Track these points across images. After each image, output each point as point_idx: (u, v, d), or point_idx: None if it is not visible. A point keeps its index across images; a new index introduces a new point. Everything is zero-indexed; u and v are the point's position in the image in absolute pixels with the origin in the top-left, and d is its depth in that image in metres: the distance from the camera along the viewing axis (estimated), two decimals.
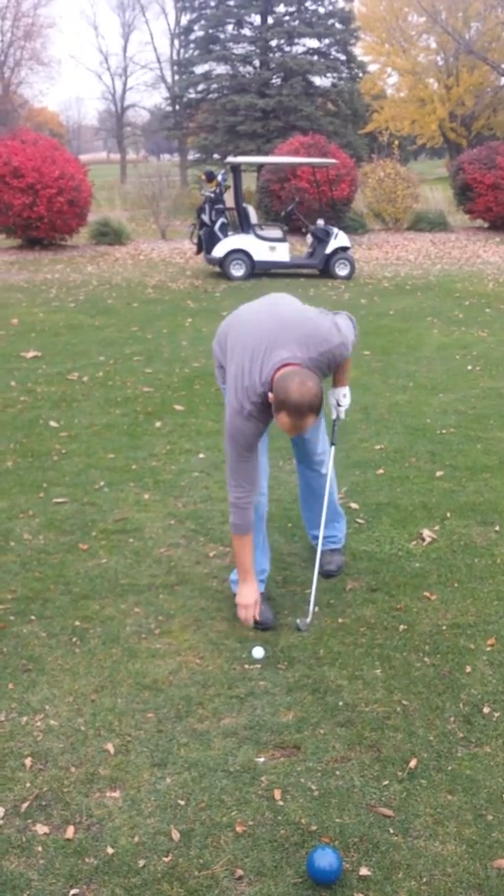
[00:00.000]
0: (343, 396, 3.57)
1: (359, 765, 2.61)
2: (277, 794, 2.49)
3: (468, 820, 2.40)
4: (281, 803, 2.46)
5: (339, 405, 3.59)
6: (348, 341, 3.16)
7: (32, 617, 3.44)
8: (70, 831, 2.36)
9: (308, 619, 3.37)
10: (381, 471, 4.96)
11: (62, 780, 2.56)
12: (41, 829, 2.37)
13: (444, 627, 3.35)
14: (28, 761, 2.63)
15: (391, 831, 2.36)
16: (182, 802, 2.47)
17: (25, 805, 2.46)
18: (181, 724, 2.80)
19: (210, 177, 13.36)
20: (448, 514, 4.37)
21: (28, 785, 2.54)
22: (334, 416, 3.65)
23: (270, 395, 2.92)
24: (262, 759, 2.64)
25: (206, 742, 2.71)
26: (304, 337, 3.02)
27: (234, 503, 3.18)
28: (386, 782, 2.54)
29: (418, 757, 2.64)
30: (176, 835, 2.35)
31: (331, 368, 3.18)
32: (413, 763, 2.61)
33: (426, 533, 4.15)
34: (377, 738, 2.72)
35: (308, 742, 2.71)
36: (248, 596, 3.24)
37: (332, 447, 3.68)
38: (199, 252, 13.68)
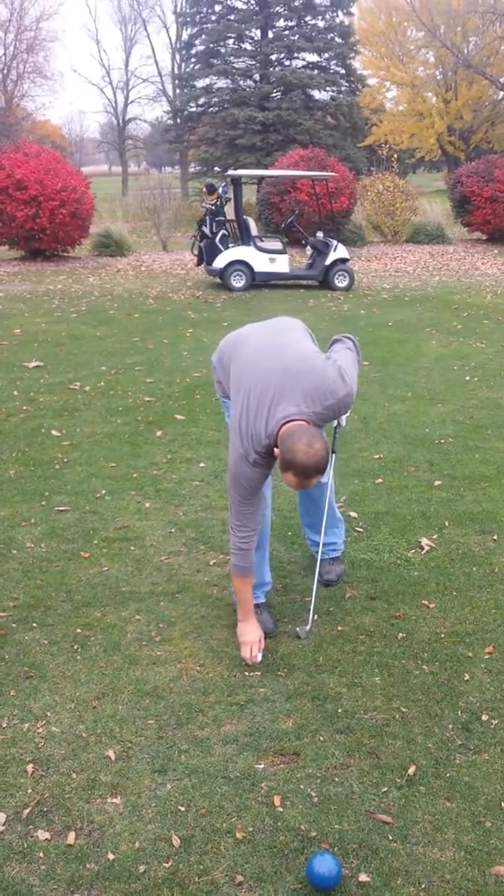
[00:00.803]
0: (343, 416, 3.56)
1: (358, 771, 2.62)
2: (277, 800, 2.51)
3: (466, 826, 2.41)
4: (280, 810, 2.48)
5: (340, 424, 3.58)
6: (353, 389, 3.10)
7: (34, 624, 3.46)
8: (71, 837, 2.38)
9: (308, 627, 3.39)
10: (379, 480, 4.99)
11: (63, 786, 2.58)
12: (42, 835, 2.38)
13: (442, 635, 3.36)
14: (30, 768, 2.65)
15: (390, 838, 2.37)
16: (182, 809, 2.48)
17: (27, 811, 2.47)
18: (182, 730, 2.82)
19: (211, 189, 13.45)
20: (446, 523, 4.39)
21: (29, 791, 2.56)
22: (335, 424, 3.67)
23: (276, 450, 2.91)
24: (261, 766, 2.65)
25: (206, 749, 2.73)
26: (311, 389, 2.96)
27: (237, 545, 3.16)
28: (385, 789, 2.55)
29: (417, 764, 2.66)
30: (176, 841, 2.36)
31: (336, 416, 3.16)
32: (412, 770, 2.63)
33: (425, 542, 4.17)
34: (376, 745, 2.74)
35: (307, 749, 2.72)
36: (251, 634, 3.22)
37: (333, 455, 3.70)
38: (199, 263, 13.75)
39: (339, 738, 2.77)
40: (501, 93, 34.87)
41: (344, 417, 3.61)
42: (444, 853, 2.32)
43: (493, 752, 2.70)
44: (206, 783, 2.58)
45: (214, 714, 2.89)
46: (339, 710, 2.90)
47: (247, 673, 3.12)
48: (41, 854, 2.32)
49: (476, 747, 2.73)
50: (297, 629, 3.37)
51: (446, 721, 2.85)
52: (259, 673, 3.12)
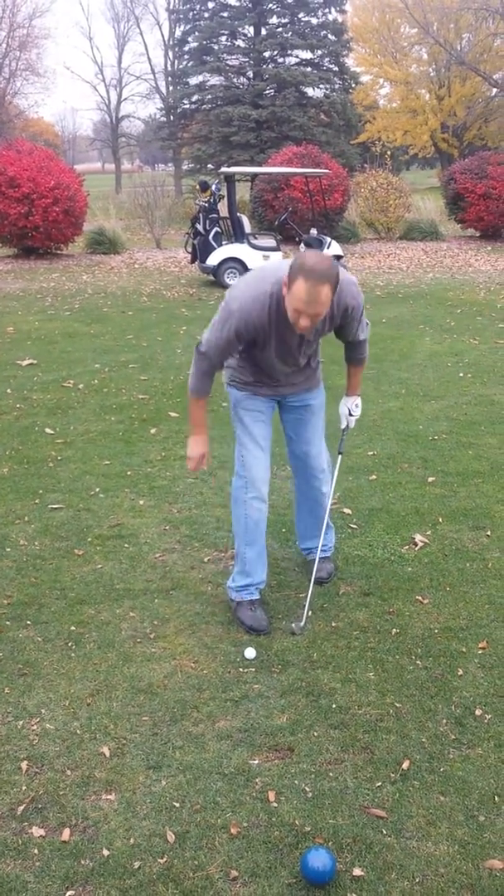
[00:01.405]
0: (356, 406, 3.64)
1: (352, 767, 2.63)
2: (271, 795, 2.51)
3: (460, 821, 2.42)
4: (275, 805, 2.48)
5: (350, 414, 3.64)
6: (362, 304, 3.25)
7: (28, 622, 3.46)
8: (66, 834, 2.38)
9: (302, 623, 3.39)
10: (373, 476, 5.00)
11: (58, 783, 2.58)
12: (37, 831, 2.39)
13: (436, 631, 3.37)
14: (24, 764, 2.65)
15: (384, 832, 2.38)
16: (177, 805, 2.49)
17: (21, 808, 2.48)
18: (176, 727, 2.82)
19: (204, 187, 13.43)
20: (440, 520, 4.40)
21: (24, 788, 2.56)
22: (343, 425, 3.67)
23: (283, 289, 2.93)
24: (256, 762, 2.66)
25: (200, 745, 2.74)
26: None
27: (200, 368, 3.21)
28: (379, 784, 2.56)
29: (411, 759, 2.66)
30: (171, 836, 2.37)
31: (337, 320, 3.18)
32: (406, 765, 2.64)
33: (418, 538, 4.18)
34: (370, 741, 2.75)
35: (302, 744, 2.73)
36: (195, 449, 3.37)
37: (340, 455, 3.76)
38: (193, 261, 13.74)
39: (333, 734, 2.78)
40: (495, 90, 34.87)
41: (355, 419, 3.63)
42: (437, 847, 2.33)
43: (486, 747, 2.71)
44: (201, 779, 2.59)
45: (209, 710, 2.90)
46: (334, 706, 2.91)
47: (241, 669, 3.13)
48: (36, 851, 2.32)
49: (469, 742, 2.74)
50: (293, 625, 3.38)
51: (440, 716, 2.86)
52: (253, 669, 3.13)
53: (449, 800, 2.50)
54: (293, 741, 2.75)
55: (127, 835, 2.38)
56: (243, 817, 2.44)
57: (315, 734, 2.78)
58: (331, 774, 2.60)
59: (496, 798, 2.50)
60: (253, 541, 3.50)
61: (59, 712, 2.90)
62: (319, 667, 3.14)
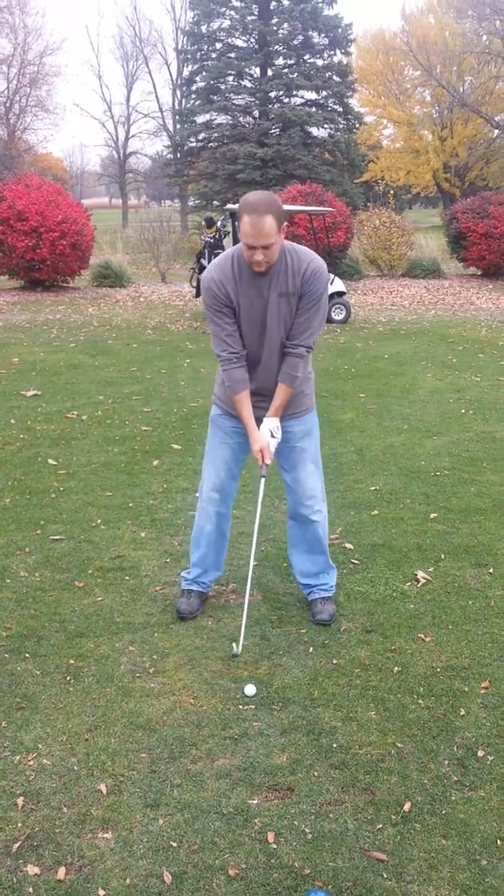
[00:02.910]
0: (276, 428, 3.51)
1: (352, 808, 2.59)
2: (271, 836, 2.47)
3: (462, 864, 2.38)
4: (274, 846, 2.44)
5: (273, 436, 3.50)
6: (326, 292, 3.41)
7: (27, 654, 3.43)
8: (61, 872, 2.34)
9: (239, 647, 3.42)
10: (375, 512, 4.98)
11: (54, 820, 2.54)
12: (32, 869, 2.35)
13: (438, 669, 3.34)
14: (20, 801, 2.61)
15: (385, 875, 2.34)
16: (174, 844, 2.45)
17: (17, 845, 2.43)
18: (174, 764, 2.78)
19: (210, 223, 13.57)
20: (442, 556, 4.38)
21: (20, 825, 2.52)
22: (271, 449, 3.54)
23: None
24: (255, 801, 2.62)
25: (199, 783, 2.70)
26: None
27: (222, 366, 3.46)
28: (380, 826, 2.52)
29: (412, 800, 2.63)
30: (168, 877, 2.33)
31: (298, 282, 3.31)
32: (407, 806, 2.60)
33: (420, 574, 4.16)
34: (371, 781, 2.71)
35: (302, 784, 2.69)
36: (252, 445, 3.49)
37: (262, 479, 3.62)
38: (198, 295, 13.83)
39: (333, 774, 2.74)
40: (496, 131, 35.37)
41: (275, 441, 3.52)
42: (439, 892, 2.28)
43: (488, 789, 2.68)
44: (199, 818, 2.55)
45: (208, 748, 2.86)
46: (334, 745, 2.87)
47: (241, 706, 3.09)
48: (30, 889, 2.28)
49: (472, 784, 2.70)
50: (233, 644, 3.44)
51: (442, 757, 2.83)
52: (253, 706, 3.09)
53: (451, 843, 2.46)
54: (293, 781, 2.71)
55: (123, 874, 2.34)
56: (242, 858, 2.40)
57: (315, 774, 2.74)
58: (331, 815, 2.56)
59: (498, 841, 2.46)
60: (197, 543, 3.85)
61: (57, 748, 2.86)
62: (320, 705, 3.10)
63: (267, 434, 3.49)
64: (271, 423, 3.51)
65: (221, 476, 3.71)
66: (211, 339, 3.51)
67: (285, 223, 3.20)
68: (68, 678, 3.27)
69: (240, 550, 4.41)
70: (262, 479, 3.62)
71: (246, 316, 3.38)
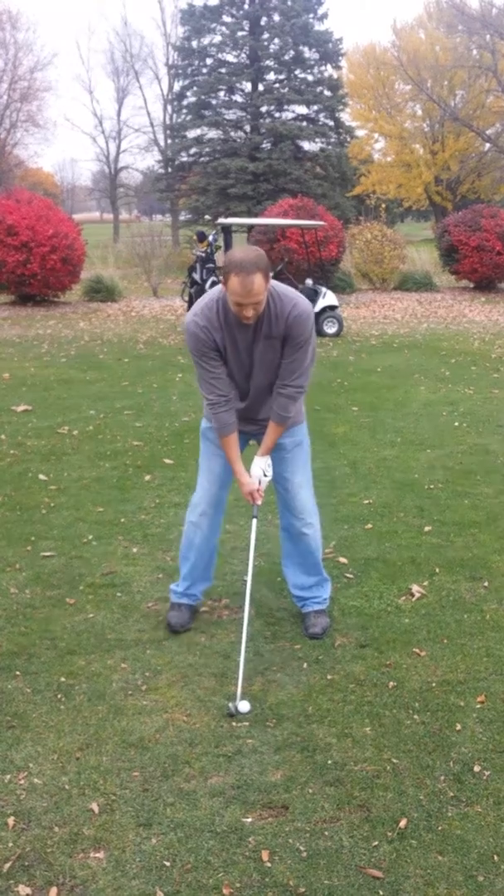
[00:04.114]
0: (268, 466, 3.58)
1: (348, 825, 2.57)
2: (265, 855, 2.44)
3: (459, 881, 2.35)
4: (268, 865, 2.41)
5: (265, 475, 3.56)
6: (313, 335, 3.42)
7: (17, 672, 3.40)
8: (53, 893, 2.30)
9: (237, 703, 3.12)
10: (369, 525, 4.97)
11: (45, 839, 2.51)
12: (23, 890, 2.31)
13: (433, 684, 3.32)
14: (11, 820, 2.58)
15: (381, 893, 2.31)
16: (168, 864, 2.42)
17: (8, 865, 2.40)
18: (167, 783, 2.75)
19: (201, 237, 13.59)
20: (437, 570, 4.37)
21: (10, 845, 2.48)
22: (259, 486, 3.56)
23: (223, 287, 3.21)
24: (249, 820, 2.59)
25: (192, 802, 2.67)
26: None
27: (210, 409, 3.47)
28: (375, 843, 2.49)
29: (408, 817, 2.60)
30: None
31: (282, 326, 3.32)
32: (403, 823, 2.57)
33: (415, 588, 4.14)
34: (367, 798, 2.68)
35: (296, 802, 2.67)
36: (247, 485, 3.52)
37: (254, 519, 3.63)
38: (189, 309, 13.83)
39: (328, 791, 2.71)
40: (487, 144, 35.60)
41: (266, 480, 3.58)
42: None
43: (485, 805, 2.65)
44: (192, 837, 2.52)
45: (201, 766, 2.83)
46: (329, 762, 2.85)
47: (234, 723, 3.07)
48: None
49: (468, 799, 2.68)
50: (230, 704, 3.14)
51: (438, 772, 2.80)
52: (247, 723, 3.07)
53: (447, 859, 2.43)
54: (287, 798, 2.68)
55: (116, 894, 2.31)
56: (236, 877, 2.37)
57: (310, 791, 2.71)
58: (326, 833, 2.53)
59: (495, 857, 2.44)
60: (186, 556, 3.84)
61: (48, 766, 2.83)
62: (315, 721, 3.08)
63: (258, 473, 3.55)
64: (262, 462, 3.56)
65: (213, 489, 3.72)
66: (197, 381, 3.51)
67: (271, 273, 3.22)
68: (59, 696, 3.23)
69: (233, 566, 4.39)
70: (255, 520, 3.63)
71: (233, 360, 3.43)
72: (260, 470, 3.55)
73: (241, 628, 3.38)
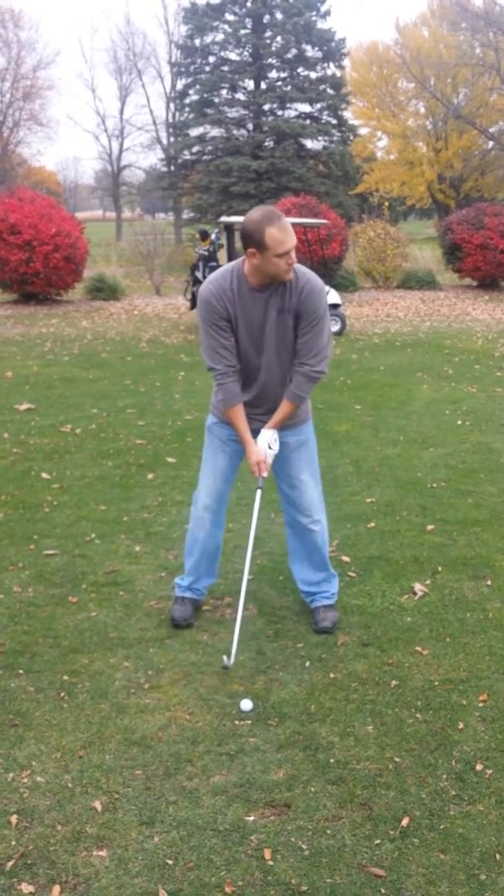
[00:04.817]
0: (275, 440, 3.53)
1: (350, 823, 2.57)
2: (267, 853, 2.45)
3: (461, 880, 2.36)
4: (271, 863, 2.41)
5: (270, 448, 3.51)
6: (327, 311, 3.43)
7: (20, 671, 3.40)
8: (56, 891, 2.31)
9: (232, 660, 3.33)
10: (372, 524, 4.97)
11: (48, 837, 2.51)
12: (26, 888, 2.32)
13: (436, 683, 3.32)
14: (14, 818, 2.58)
15: (383, 891, 2.31)
16: (170, 862, 2.42)
17: (11, 863, 2.40)
18: (170, 781, 2.76)
19: (204, 235, 13.58)
20: (439, 568, 4.37)
21: (13, 843, 2.49)
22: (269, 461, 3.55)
23: (252, 260, 3.22)
24: (251, 818, 2.59)
25: (195, 800, 2.67)
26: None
27: (217, 380, 3.46)
28: (378, 841, 2.50)
29: (410, 815, 2.60)
30: (164, 895, 2.30)
31: (295, 299, 3.33)
32: (405, 821, 2.57)
33: (418, 587, 4.14)
34: (369, 796, 2.68)
35: (299, 800, 2.67)
36: (249, 458, 3.50)
37: (259, 490, 3.64)
38: (192, 308, 13.84)
39: (331, 789, 2.71)
40: (491, 142, 35.56)
41: (272, 453, 3.54)
42: None
43: (487, 803, 2.65)
44: (195, 836, 2.52)
45: (203, 764, 2.84)
46: (332, 761, 2.85)
47: (237, 722, 3.07)
48: None
49: (470, 798, 2.68)
50: (224, 657, 3.37)
51: (440, 771, 2.80)
52: (249, 722, 3.07)
53: (449, 858, 2.43)
54: (290, 797, 2.68)
55: (118, 893, 2.31)
56: (238, 875, 2.37)
57: (312, 790, 2.71)
58: (328, 832, 2.53)
59: (497, 856, 2.44)
60: (190, 551, 3.86)
61: (51, 765, 2.84)
62: (317, 720, 3.08)
63: (264, 446, 3.50)
64: (269, 435, 3.52)
65: (218, 484, 3.73)
66: (203, 353, 3.50)
67: None
68: (62, 694, 3.24)
69: (235, 563, 4.39)
70: (259, 491, 3.62)
71: (244, 332, 3.40)
72: (265, 443, 3.51)
73: (241, 586, 3.50)
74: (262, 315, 3.36)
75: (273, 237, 3.13)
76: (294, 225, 17.05)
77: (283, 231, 3.14)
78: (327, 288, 13.57)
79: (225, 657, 3.38)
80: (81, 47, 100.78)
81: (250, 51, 32.88)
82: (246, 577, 3.53)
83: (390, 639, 3.66)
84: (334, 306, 13.51)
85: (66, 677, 3.35)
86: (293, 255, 3.20)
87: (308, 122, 33.16)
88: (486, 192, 37.18)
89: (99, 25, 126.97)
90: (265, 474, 3.51)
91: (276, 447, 3.54)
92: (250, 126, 33.36)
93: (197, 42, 33.52)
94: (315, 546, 3.78)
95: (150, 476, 5.91)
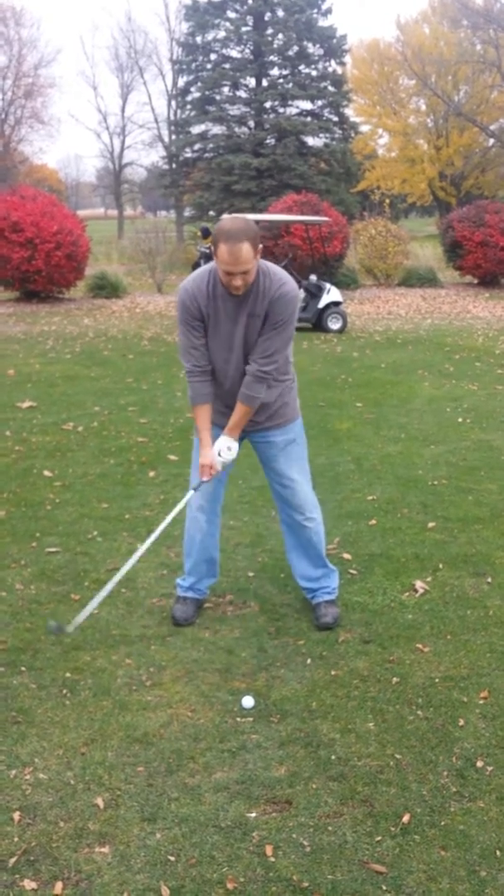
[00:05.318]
0: (227, 449, 3.50)
1: (351, 820, 2.58)
2: (269, 849, 2.46)
3: (462, 876, 2.37)
4: (272, 859, 2.42)
5: (220, 455, 3.49)
6: (296, 311, 3.41)
7: (23, 668, 3.41)
8: (58, 887, 2.32)
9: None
10: (373, 521, 4.97)
11: (51, 834, 2.52)
12: (29, 884, 2.33)
13: (437, 680, 3.33)
14: (16, 815, 2.59)
15: (384, 888, 2.33)
16: (172, 858, 2.43)
17: (13, 860, 2.42)
18: (172, 778, 2.77)
19: (205, 233, 13.61)
20: (440, 566, 4.37)
21: (16, 839, 2.50)
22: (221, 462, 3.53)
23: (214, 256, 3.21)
24: (253, 815, 2.60)
25: (196, 797, 2.68)
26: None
27: (187, 377, 3.51)
28: (379, 838, 2.51)
29: (411, 812, 2.61)
30: (166, 891, 2.31)
31: (265, 305, 3.31)
32: (406, 818, 2.58)
33: (419, 584, 4.15)
34: (370, 793, 2.69)
35: (300, 797, 2.68)
36: (205, 457, 3.49)
37: (192, 491, 3.63)
38: None
39: (332, 786, 2.72)
40: (491, 140, 35.52)
41: (220, 461, 3.51)
42: None
43: (488, 800, 2.66)
44: (197, 832, 2.53)
45: (205, 761, 2.85)
46: (333, 757, 2.86)
47: (239, 718, 3.08)
48: None
49: (471, 795, 2.69)
50: (58, 624, 3.42)
51: (441, 768, 2.81)
52: (251, 719, 3.08)
53: (450, 854, 2.44)
54: (291, 794, 2.69)
55: (121, 889, 2.32)
56: (240, 872, 2.38)
57: (314, 786, 2.72)
58: (330, 828, 2.55)
59: (498, 852, 2.45)
60: (189, 552, 3.87)
61: (53, 762, 2.85)
62: (318, 717, 3.09)
63: (216, 452, 3.49)
64: (224, 441, 3.51)
65: (210, 485, 3.71)
66: (178, 347, 3.55)
67: (260, 245, 3.22)
68: (64, 692, 3.25)
69: (237, 561, 4.40)
70: (191, 491, 3.62)
71: (215, 334, 3.42)
72: (218, 448, 3.49)
73: (130, 562, 3.54)
74: (234, 317, 3.37)
75: (221, 253, 3.14)
76: (296, 223, 17.07)
77: (230, 254, 3.11)
78: (328, 286, 13.63)
79: (62, 624, 3.42)
80: (83, 45, 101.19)
81: (251, 48, 32.83)
82: (127, 566, 3.51)
83: (391, 636, 3.67)
84: (335, 304, 13.52)
85: (68, 674, 3.37)
86: (238, 280, 3.18)
87: (309, 119, 33.12)
88: (487, 189, 37.14)
89: (100, 23, 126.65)
90: (206, 479, 3.51)
91: (228, 455, 3.50)
92: (251, 123, 33.32)
93: (198, 39, 33.48)
94: (311, 542, 3.79)
95: (151, 474, 5.92)
